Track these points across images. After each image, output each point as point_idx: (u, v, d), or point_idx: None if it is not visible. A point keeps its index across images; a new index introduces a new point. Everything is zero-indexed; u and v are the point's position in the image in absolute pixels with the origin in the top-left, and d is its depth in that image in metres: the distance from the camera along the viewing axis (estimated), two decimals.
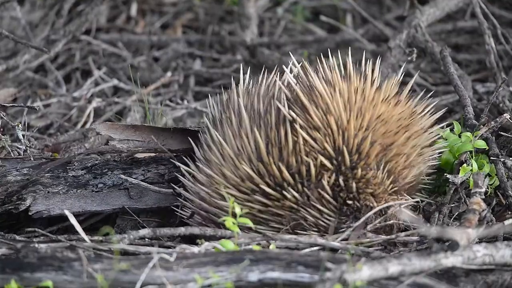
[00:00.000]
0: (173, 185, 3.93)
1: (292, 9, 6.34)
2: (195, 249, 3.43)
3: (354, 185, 3.56)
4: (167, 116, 5.23)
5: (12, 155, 4.29)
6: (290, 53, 4.34)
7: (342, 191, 3.58)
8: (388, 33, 5.73)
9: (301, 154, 3.56)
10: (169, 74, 5.75)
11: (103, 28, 6.22)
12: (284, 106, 3.62)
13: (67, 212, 3.58)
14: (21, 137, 4.26)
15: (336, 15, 6.20)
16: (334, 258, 3.27)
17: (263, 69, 3.94)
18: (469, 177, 3.87)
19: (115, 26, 6.27)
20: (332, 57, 3.81)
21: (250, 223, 3.43)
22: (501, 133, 4.17)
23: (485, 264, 3.31)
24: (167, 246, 3.69)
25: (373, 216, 3.63)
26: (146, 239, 3.67)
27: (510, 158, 4.02)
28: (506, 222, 3.71)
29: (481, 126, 4.07)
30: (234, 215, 3.40)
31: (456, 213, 3.95)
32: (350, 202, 3.59)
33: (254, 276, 3.24)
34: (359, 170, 3.56)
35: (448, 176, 3.89)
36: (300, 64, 3.80)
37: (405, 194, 3.69)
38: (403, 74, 3.90)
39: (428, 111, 3.82)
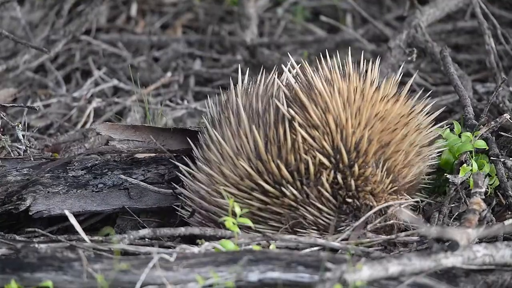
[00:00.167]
0: (174, 185, 3.93)
1: (292, 9, 6.34)
2: (195, 249, 3.43)
3: (353, 182, 3.56)
4: (167, 116, 5.23)
5: (12, 155, 4.29)
6: (289, 54, 4.34)
7: (341, 189, 3.59)
8: (388, 33, 5.73)
9: (299, 152, 3.56)
10: (169, 74, 5.75)
11: (103, 28, 6.22)
12: (283, 104, 3.63)
13: (67, 212, 3.58)
14: (21, 137, 4.26)
15: (336, 15, 6.21)
16: (334, 258, 3.27)
17: (261, 69, 3.94)
18: (469, 177, 3.87)
19: (115, 26, 6.27)
20: (331, 57, 3.82)
21: (249, 223, 3.43)
22: (501, 133, 4.18)
23: (485, 264, 3.31)
24: (167, 246, 3.69)
25: (373, 216, 3.64)
26: (146, 239, 3.67)
27: (510, 158, 4.02)
28: (506, 222, 3.71)
29: (481, 126, 4.08)
30: (234, 214, 3.40)
31: (456, 213, 3.95)
32: (349, 200, 3.59)
33: (254, 276, 3.24)
34: (357, 168, 3.56)
35: (448, 176, 3.89)
36: (299, 65, 3.80)
37: (405, 194, 3.69)
38: (401, 74, 3.90)
39: (427, 110, 3.82)
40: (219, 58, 5.96)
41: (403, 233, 3.67)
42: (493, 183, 3.97)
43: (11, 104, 4.60)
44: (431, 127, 3.82)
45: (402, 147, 3.66)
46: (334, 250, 3.53)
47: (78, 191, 4.02)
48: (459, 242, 3.23)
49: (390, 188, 3.65)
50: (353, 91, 3.66)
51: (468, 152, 3.96)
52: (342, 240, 3.59)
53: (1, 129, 4.40)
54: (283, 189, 3.57)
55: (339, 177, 3.57)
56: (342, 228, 3.62)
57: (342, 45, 5.84)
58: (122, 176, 4.02)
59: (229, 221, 3.39)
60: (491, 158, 4.00)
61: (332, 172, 3.58)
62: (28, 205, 3.94)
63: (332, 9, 6.32)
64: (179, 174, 3.84)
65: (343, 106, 3.62)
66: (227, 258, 3.27)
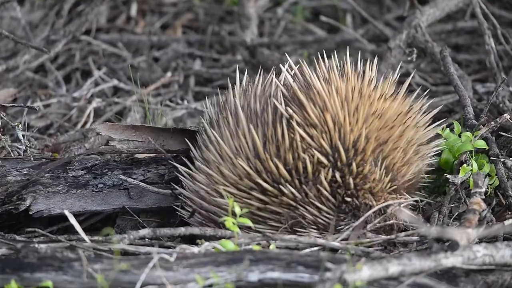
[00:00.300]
0: (174, 185, 3.93)
1: (292, 9, 6.34)
2: (195, 249, 3.43)
3: (351, 181, 3.56)
4: (167, 116, 5.23)
5: (12, 155, 4.29)
6: (286, 54, 4.34)
7: (340, 188, 3.59)
8: (388, 33, 5.73)
9: (298, 151, 3.57)
10: (169, 74, 5.75)
11: (103, 28, 6.23)
12: (281, 104, 3.63)
13: (67, 212, 3.58)
14: (21, 137, 4.26)
15: (336, 15, 6.21)
16: (334, 258, 3.27)
17: (259, 70, 3.94)
18: (469, 177, 3.87)
19: (115, 26, 6.27)
20: (331, 57, 3.82)
21: (249, 223, 3.43)
22: (501, 133, 4.18)
23: (485, 264, 3.31)
24: (167, 246, 3.69)
25: (372, 215, 3.64)
26: (146, 239, 3.67)
27: (510, 158, 4.02)
28: (506, 222, 3.71)
29: (481, 126, 4.08)
30: (233, 214, 3.40)
31: (456, 213, 3.95)
32: (348, 199, 3.59)
33: (254, 276, 3.24)
34: (355, 166, 3.57)
35: (448, 176, 3.89)
36: (297, 65, 3.80)
37: (404, 193, 3.70)
38: (399, 74, 3.90)
39: (425, 109, 3.82)
40: (219, 58, 5.96)
41: (403, 233, 3.67)
42: (493, 183, 3.97)
43: (11, 104, 4.60)
44: (429, 125, 3.83)
45: (400, 144, 3.67)
46: (334, 250, 3.53)
47: (78, 191, 4.02)
48: (459, 242, 3.23)
49: (390, 187, 3.65)
50: (351, 90, 3.67)
51: (468, 152, 3.97)
52: (342, 240, 3.59)
53: (1, 129, 4.40)
54: (282, 187, 3.57)
55: (337, 175, 3.57)
56: (341, 227, 3.62)
57: (342, 45, 5.84)
58: (122, 177, 4.02)
59: (229, 221, 3.39)
60: (491, 158, 4.00)
61: (331, 170, 3.58)
62: (28, 205, 3.94)
63: (332, 9, 6.32)
64: (179, 175, 3.84)
65: (341, 105, 3.62)
66: (227, 258, 3.27)
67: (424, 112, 3.82)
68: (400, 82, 3.87)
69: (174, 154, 4.05)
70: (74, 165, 4.07)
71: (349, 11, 6.25)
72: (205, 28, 6.22)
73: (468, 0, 5.26)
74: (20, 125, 4.25)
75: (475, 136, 4.00)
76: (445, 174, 3.93)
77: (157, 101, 5.51)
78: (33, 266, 3.24)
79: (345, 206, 3.62)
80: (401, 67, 5.33)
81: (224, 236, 3.55)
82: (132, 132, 4.02)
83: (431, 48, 4.96)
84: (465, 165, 3.90)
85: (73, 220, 3.54)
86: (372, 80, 3.75)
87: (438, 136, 3.93)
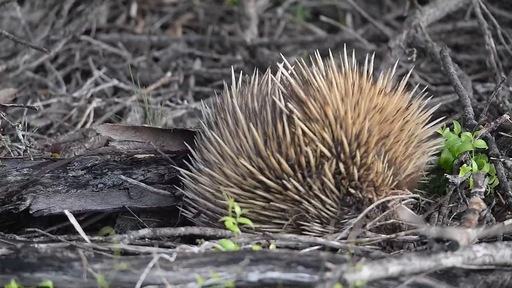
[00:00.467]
0: (175, 187, 3.93)
1: (292, 9, 6.34)
2: (195, 249, 3.43)
3: (355, 171, 3.56)
4: (167, 116, 5.23)
5: (12, 155, 4.29)
6: (281, 55, 4.34)
7: (344, 179, 3.58)
8: (388, 33, 5.73)
9: (300, 145, 3.57)
10: (169, 74, 5.75)
11: (103, 28, 6.23)
12: (280, 101, 3.63)
13: (67, 212, 3.58)
14: (21, 137, 4.26)
15: (336, 15, 6.21)
16: (334, 258, 3.27)
17: (256, 70, 3.95)
18: (469, 177, 3.88)
19: (115, 26, 6.27)
20: (329, 56, 3.82)
21: (249, 223, 3.43)
22: (501, 133, 4.18)
23: (485, 264, 3.31)
24: (167, 246, 3.69)
25: (374, 210, 3.63)
26: (146, 239, 3.67)
27: (510, 158, 4.02)
28: (506, 222, 3.71)
29: (481, 126, 4.08)
30: (235, 214, 3.40)
31: (456, 213, 3.95)
32: (352, 191, 3.59)
33: (254, 276, 3.24)
34: (359, 157, 3.56)
35: (448, 176, 3.89)
36: (294, 64, 3.81)
37: (406, 189, 3.69)
38: (396, 71, 3.91)
39: (423, 106, 3.83)
40: (219, 58, 5.96)
41: (402, 233, 3.67)
42: (493, 183, 3.98)
43: (11, 104, 4.60)
44: (429, 122, 3.83)
45: (401, 137, 3.67)
46: (334, 250, 3.53)
47: (78, 191, 4.02)
48: (459, 242, 3.23)
49: (392, 182, 3.65)
50: (351, 85, 3.68)
51: (468, 152, 3.97)
52: (342, 239, 3.58)
53: (1, 129, 4.40)
54: (285, 182, 3.57)
55: (341, 166, 3.57)
56: (345, 220, 3.61)
57: (342, 45, 5.83)
58: (122, 177, 4.02)
59: (229, 221, 3.39)
60: (491, 158, 4.00)
61: (334, 162, 3.58)
62: (28, 205, 3.94)
63: (332, 9, 6.32)
64: (181, 177, 3.83)
65: (341, 100, 3.63)
66: (227, 258, 3.27)
67: (423, 109, 3.82)
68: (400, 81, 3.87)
69: (174, 155, 4.05)
70: (74, 165, 4.07)
71: (349, 11, 6.25)
72: (205, 28, 6.22)
73: (468, 0, 5.26)
74: (20, 125, 4.25)
75: (475, 136, 4.00)
76: (445, 174, 3.93)
77: (157, 101, 5.51)
78: (33, 266, 3.24)
79: (349, 199, 3.61)
80: (400, 66, 5.35)
81: (224, 236, 3.55)
82: (132, 133, 4.02)
83: (431, 48, 4.96)
84: (465, 165, 3.90)
85: (73, 220, 3.54)
86: (370, 77, 3.76)
87: (437, 135, 3.93)
